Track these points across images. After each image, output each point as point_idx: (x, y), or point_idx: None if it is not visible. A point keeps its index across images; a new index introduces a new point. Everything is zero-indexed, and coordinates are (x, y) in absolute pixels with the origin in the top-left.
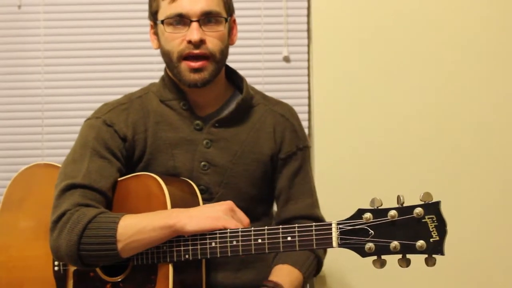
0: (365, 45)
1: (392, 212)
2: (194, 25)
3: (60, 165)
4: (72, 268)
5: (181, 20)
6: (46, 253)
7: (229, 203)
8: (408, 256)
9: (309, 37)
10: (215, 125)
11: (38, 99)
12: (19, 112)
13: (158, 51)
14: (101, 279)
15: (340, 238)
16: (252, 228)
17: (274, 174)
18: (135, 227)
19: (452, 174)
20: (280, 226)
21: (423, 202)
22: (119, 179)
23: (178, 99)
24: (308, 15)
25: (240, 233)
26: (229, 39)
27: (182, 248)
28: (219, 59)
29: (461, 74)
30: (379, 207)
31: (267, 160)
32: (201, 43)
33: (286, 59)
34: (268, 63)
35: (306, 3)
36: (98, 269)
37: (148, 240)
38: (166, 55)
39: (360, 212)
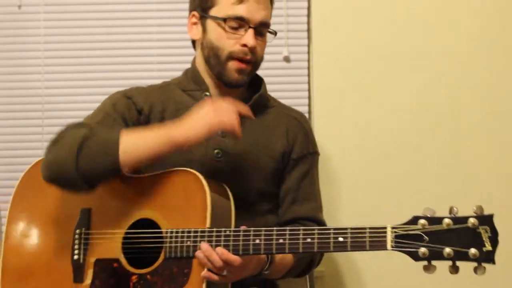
0: (365, 45)
1: (447, 221)
2: (252, 31)
3: None
4: (92, 258)
5: (240, 23)
6: (63, 242)
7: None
8: (457, 263)
9: (309, 37)
10: None
11: (38, 99)
12: (19, 112)
13: (158, 51)
14: (126, 270)
15: (395, 241)
16: (301, 228)
17: (283, 173)
18: (136, 137)
19: (453, 174)
20: (332, 227)
21: (475, 214)
22: (156, 172)
23: (201, 90)
24: (308, 15)
25: (287, 232)
26: None
27: (222, 244)
28: (258, 66)
29: (461, 74)
30: (433, 215)
31: (279, 157)
32: (254, 49)
33: (286, 59)
34: (268, 63)
35: (306, 3)
36: (123, 260)
37: (149, 148)
38: (212, 49)
39: (415, 219)
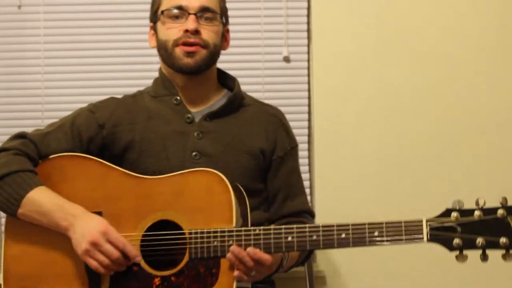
0: (365, 45)
1: (478, 212)
2: (192, 16)
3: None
4: None
5: (180, 12)
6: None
7: (99, 229)
8: (487, 251)
9: (309, 37)
10: (206, 118)
11: (38, 99)
12: (19, 112)
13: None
14: (148, 273)
15: (430, 234)
16: (335, 224)
17: (270, 172)
18: (38, 207)
19: (453, 174)
20: (366, 222)
21: (502, 205)
22: (174, 173)
23: (171, 94)
24: (308, 15)
25: (321, 228)
26: (221, 43)
27: (252, 243)
28: (212, 50)
29: (463, 74)
30: (462, 207)
31: (259, 154)
32: (196, 33)
33: (286, 59)
34: (268, 63)
35: (306, 3)
36: (144, 263)
37: (43, 223)
38: (162, 45)
39: (448, 211)
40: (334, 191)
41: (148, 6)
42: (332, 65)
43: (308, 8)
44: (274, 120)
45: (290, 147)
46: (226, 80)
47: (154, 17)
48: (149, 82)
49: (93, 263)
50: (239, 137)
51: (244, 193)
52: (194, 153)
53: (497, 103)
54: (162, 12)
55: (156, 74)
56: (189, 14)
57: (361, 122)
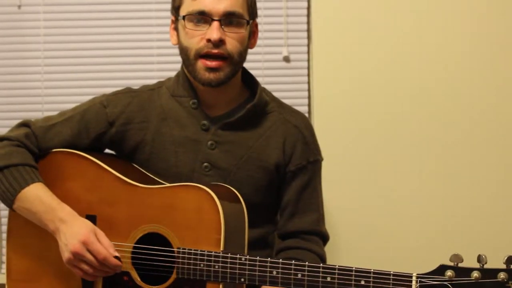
0: (365, 45)
1: (476, 274)
2: (215, 24)
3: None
4: None
5: (203, 18)
6: None
7: (80, 239)
8: None
9: (309, 37)
10: (223, 127)
11: (38, 99)
12: (19, 112)
13: (158, 51)
14: (137, 285)
15: None
16: (321, 265)
17: (282, 185)
18: (30, 205)
19: (454, 174)
20: (354, 268)
21: (505, 267)
22: (166, 185)
23: (189, 96)
24: (308, 15)
25: (306, 268)
26: (249, 42)
27: (237, 271)
28: (236, 61)
29: (461, 74)
30: (460, 265)
31: (273, 169)
32: (220, 43)
33: (286, 59)
34: (268, 63)
35: (306, 3)
36: (135, 275)
37: (34, 221)
38: (183, 51)
39: (442, 268)
40: (334, 191)
41: (148, 6)
42: (332, 65)
43: (308, 8)
44: (295, 132)
45: (307, 162)
46: (250, 80)
47: (175, 13)
48: (149, 82)
49: (77, 272)
50: (255, 150)
51: (239, 197)
52: (205, 164)
53: (499, 105)
54: (184, 17)
55: (156, 74)
56: (213, 20)
57: (361, 122)
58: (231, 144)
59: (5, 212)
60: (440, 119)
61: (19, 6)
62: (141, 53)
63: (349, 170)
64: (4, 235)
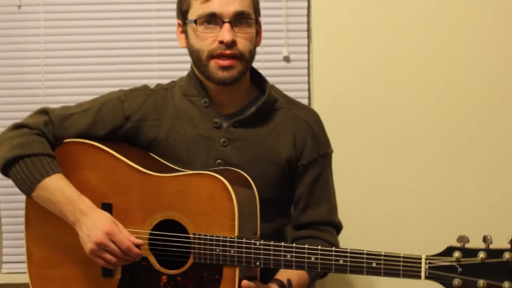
0: (365, 45)
1: (482, 254)
2: (227, 26)
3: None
4: None
5: (213, 19)
6: None
7: (104, 230)
8: None
9: (309, 37)
10: (234, 125)
11: (38, 99)
12: (19, 112)
13: (158, 51)
14: (156, 270)
15: (429, 272)
16: (334, 249)
17: (294, 179)
18: (50, 195)
19: (454, 175)
20: (365, 251)
21: (510, 247)
22: (179, 173)
23: (200, 95)
24: (308, 15)
25: (319, 251)
26: (256, 43)
27: (252, 256)
28: (247, 59)
29: (460, 74)
30: (466, 246)
31: (285, 164)
32: (232, 44)
33: (286, 59)
34: (268, 63)
35: (306, 3)
36: (153, 260)
37: (53, 211)
38: (194, 53)
39: (450, 250)
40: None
41: (148, 6)
42: (332, 65)
43: (308, 8)
44: (304, 127)
45: (317, 155)
46: (258, 78)
47: (182, 17)
48: (149, 82)
49: (100, 262)
50: (266, 146)
51: (251, 182)
52: (218, 161)
53: (499, 105)
54: (195, 21)
55: (156, 74)
56: (224, 22)
57: (361, 122)
58: (243, 141)
59: (5, 212)
60: (441, 118)
61: (19, 6)
62: (141, 53)
63: (349, 169)
64: (4, 235)
